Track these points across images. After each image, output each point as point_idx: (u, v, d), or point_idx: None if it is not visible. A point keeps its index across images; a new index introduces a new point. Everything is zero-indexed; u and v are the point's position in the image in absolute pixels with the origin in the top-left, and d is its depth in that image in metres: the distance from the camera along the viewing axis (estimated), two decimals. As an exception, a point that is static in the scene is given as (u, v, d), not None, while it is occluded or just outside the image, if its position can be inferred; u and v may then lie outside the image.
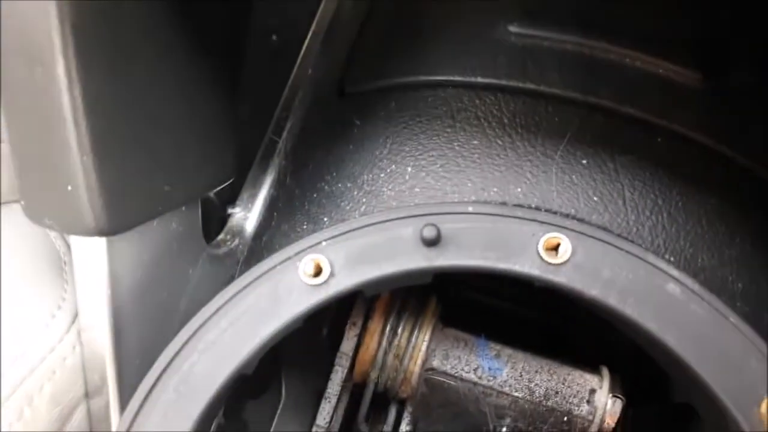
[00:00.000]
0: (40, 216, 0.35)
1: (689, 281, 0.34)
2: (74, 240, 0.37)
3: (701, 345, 0.33)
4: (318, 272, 0.35)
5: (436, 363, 0.43)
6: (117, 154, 0.34)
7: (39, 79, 0.32)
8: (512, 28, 0.39)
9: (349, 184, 0.41)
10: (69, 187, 0.33)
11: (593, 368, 0.44)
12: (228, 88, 0.43)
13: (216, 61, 0.41)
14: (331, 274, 0.35)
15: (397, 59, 0.43)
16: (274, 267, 0.36)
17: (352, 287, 0.35)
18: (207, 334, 0.34)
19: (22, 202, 0.36)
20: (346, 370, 0.44)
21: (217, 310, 0.35)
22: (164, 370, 0.34)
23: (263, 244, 0.46)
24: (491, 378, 0.43)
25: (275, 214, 0.47)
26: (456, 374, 0.43)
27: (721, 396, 0.32)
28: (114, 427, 0.39)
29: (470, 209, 0.35)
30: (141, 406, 0.33)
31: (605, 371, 0.43)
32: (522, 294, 0.49)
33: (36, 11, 0.30)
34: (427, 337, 0.43)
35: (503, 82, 0.38)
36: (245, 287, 0.35)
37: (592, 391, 0.42)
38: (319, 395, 0.49)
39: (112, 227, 0.35)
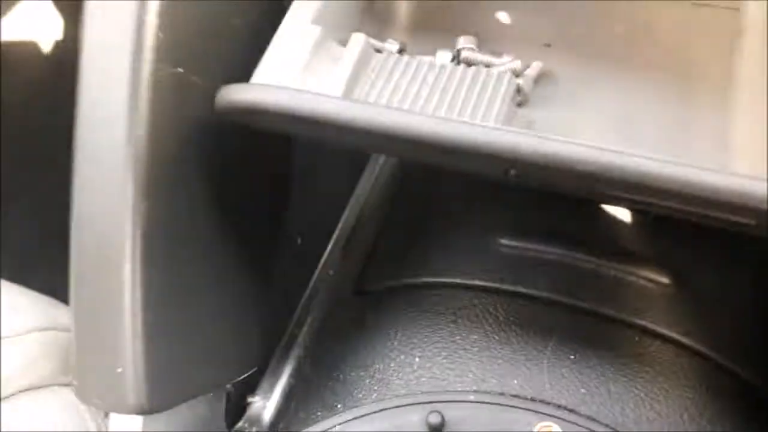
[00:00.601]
0: (89, 395, 0.40)
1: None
2: (112, 420, 0.41)
3: None
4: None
5: None
6: (163, 343, 0.40)
7: (107, 278, 0.38)
8: (504, 241, 0.46)
9: (362, 373, 0.46)
10: (119, 370, 0.38)
11: None
12: (265, 277, 0.50)
13: (254, 263, 0.48)
14: (344, 459, 0.38)
15: (407, 263, 0.50)
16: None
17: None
18: None
19: (75, 382, 0.40)
20: None
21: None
22: None
23: (279, 431, 0.50)
24: None
25: (293, 402, 0.51)
26: None
27: None
28: None
29: (471, 398, 0.39)
30: None
31: None
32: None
33: (114, 224, 0.38)
34: None
35: (498, 285, 0.44)
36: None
37: None
38: None
39: (151, 406, 0.39)
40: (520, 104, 0.41)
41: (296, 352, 0.57)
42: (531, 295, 0.44)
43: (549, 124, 0.40)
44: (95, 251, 0.38)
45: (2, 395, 0.49)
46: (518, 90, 0.40)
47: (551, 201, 0.47)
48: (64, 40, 1.11)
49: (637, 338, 0.42)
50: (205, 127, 0.39)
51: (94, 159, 0.37)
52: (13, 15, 1.12)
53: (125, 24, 0.34)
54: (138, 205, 0.37)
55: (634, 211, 0.49)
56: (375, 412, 0.39)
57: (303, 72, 0.35)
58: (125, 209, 0.37)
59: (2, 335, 0.50)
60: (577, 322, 0.42)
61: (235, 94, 0.33)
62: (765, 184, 0.28)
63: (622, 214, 0.49)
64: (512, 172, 0.29)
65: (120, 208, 0.37)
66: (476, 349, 0.42)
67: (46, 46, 1.13)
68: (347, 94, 0.35)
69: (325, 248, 0.64)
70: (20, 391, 0.50)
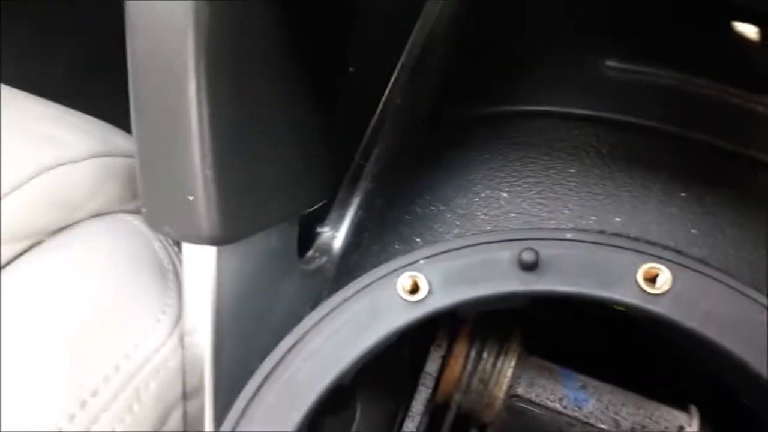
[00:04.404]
0: (159, 224, 0.38)
1: (792, 318, 0.33)
2: (185, 249, 0.40)
3: (803, 385, 0.33)
4: (415, 289, 0.36)
5: (521, 390, 0.44)
6: (235, 168, 0.37)
7: (170, 97, 0.35)
8: (611, 63, 0.40)
9: (442, 207, 0.43)
10: (190, 198, 0.36)
11: (681, 406, 0.43)
12: (330, 107, 0.46)
13: (322, 80, 0.43)
14: (429, 292, 0.36)
15: (492, 89, 0.45)
16: (373, 282, 0.37)
17: (450, 305, 0.36)
18: (309, 343, 0.36)
19: (144, 210, 0.39)
20: (430, 391, 0.45)
21: (319, 320, 0.36)
22: (268, 376, 0.35)
23: (353, 263, 0.48)
24: (576, 409, 0.43)
25: (365, 234, 0.49)
26: (541, 402, 0.43)
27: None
28: (208, 427, 0.41)
29: (569, 236, 0.35)
30: (245, 409, 0.34)
31: (694, 410, 0.43)
32: (608, 329, 0.49)
33: (175, 34, 0.33)
34: (512, 364, 0.44)
35: (601, 114, 0.39)
36: (345, 300, 0.37)
37: (681, 429, 0.41)
38: (391, 418, 0.50)
39: (225, 237, 0.37)
40: None
41: (364, 183, 0.55)
42: (640, 125, 0.38)
43: None
44: (155, 69, 0.34)
45: (72, 220, 0.48)
46: None
47: (667, 18, 0.40)
48: None
49: (758, 175, 0.37)
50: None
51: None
52: None
53: None
54: (200, 13, 0.33)
55: (763, 27, 0.42)
56: (462, 247, 0.36)
57: None
58: (186, 18, 0.33)
59: (64, 160, 0.48)
60: (691, 156, 0.38)
61: None
62: None
63: (750, 33, 0.41)
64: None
65: (181, 17, 0.33)
66: (573, 183, 0.38)
67: None
68: None
69: (391, 73, 0.59)
70: (89, 217, 0.49)
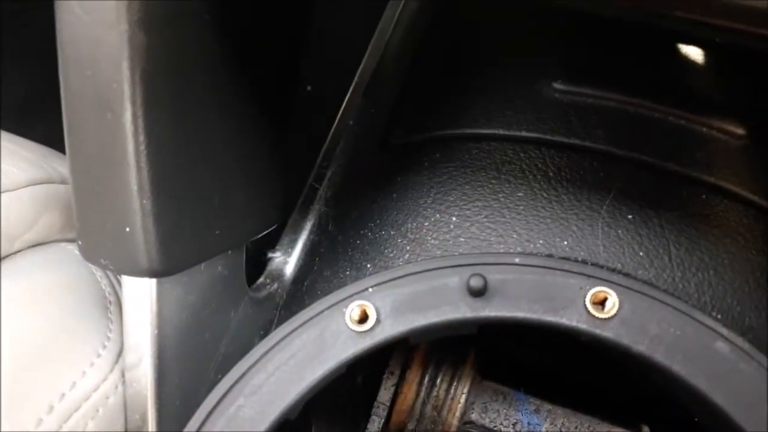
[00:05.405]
0: (95, 256, 0.36)
1: (738, 340, 0.33)
2: (125, 280, 0.38)
3: (751, 405, 0.33)
4: (364, 319, 0.35)
5: (474, 416, 0.43)
6: (174, 199, 0.35)
7: (106, 125, 0.33)
8: (557, 85, 0.40)
9: (392, 232, 0.42)
10: (127, 229, 0.34)
11: (633, 426, 0.43)
12: (278, 136, 0.45)
13: (269, 111, 0.42)
14: (377, 321, 0.35)
15: (442, 112, 0.44)
16: (321, 312, 0.36)
17: (398, 335, 0.35)
18: (254, 378, 0.34)
19: (79, 242, 0.37)
20: (382, 420, 0.44)
21: (264, 354, 0.35)
22: (211, 412, 0.34)
23: (305, 288, 0.47)
24: (530, 433, 0.42)
25: (317, 259, 0.48)
26: (495, 428, 0.42)
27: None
28: (152, 469, 0.39)
29: (517, 260, 0.35)
30: (187, 448, 0.33)
31: (646, 429, 0.43)
32: (560, 350, 0.48)
33: (109, 62, 0.32)
34: (466, 389, 0.43)
35: (548, 136, 0.39)
36: (292, 332, 0.36)
37: (634, 450, 0.41)
38: (349, 445, 0.49)
39: (164, 269, 0.36)
40: None
41: (317, 206, 0.54)
42: (586, 147, 0.38)
43: None
44: (90, 98, 0.33)
45: (10, 251, 0.46)
46: None
47: (613, 40, 0.41)
48: None
49: (703, 196, 0.38)
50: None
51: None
52: None
53: None
54: (134, 38, 0.31)
55: (706, 50, 0.42)
56: (410, 273, 0.36)
57: None
58: (121, 46, 0.32)
59: (1, 188, 0.46)
60: (637, 178, 0.38)
61: None
62: None
63: (694, 56, 0.42)
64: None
65: (115, 46, 0.31)
66: (521, 207, 0.38)
67: None
68: None
69: (343, 96, 0.58)
70: (28, 247, 0.47)
